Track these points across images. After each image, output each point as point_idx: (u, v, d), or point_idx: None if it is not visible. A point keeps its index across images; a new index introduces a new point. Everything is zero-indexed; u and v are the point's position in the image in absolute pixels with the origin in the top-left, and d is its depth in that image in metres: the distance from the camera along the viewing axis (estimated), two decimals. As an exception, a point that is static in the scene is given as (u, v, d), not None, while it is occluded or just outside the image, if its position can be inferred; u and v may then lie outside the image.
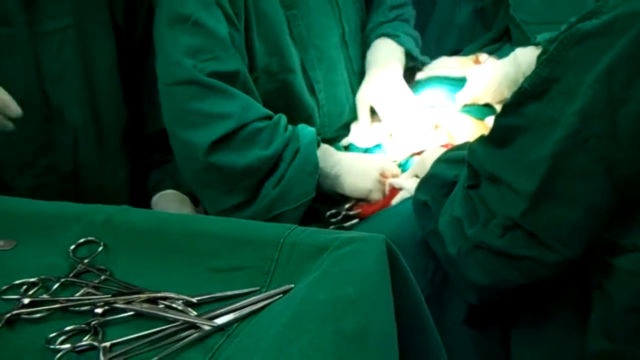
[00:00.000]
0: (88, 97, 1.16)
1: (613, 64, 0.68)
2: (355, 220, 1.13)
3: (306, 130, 1.13)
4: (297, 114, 1.22)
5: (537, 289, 0.83)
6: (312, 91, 1.24)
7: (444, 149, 1.10)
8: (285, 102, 1.20)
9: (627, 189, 0.71)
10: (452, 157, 0.97)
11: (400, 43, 1.36)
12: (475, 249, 0.80)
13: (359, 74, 1.37)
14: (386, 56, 1.34)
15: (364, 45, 1.39)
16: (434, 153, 1.08)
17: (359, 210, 1.14)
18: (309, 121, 1.23)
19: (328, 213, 1.14)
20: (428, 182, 0.96)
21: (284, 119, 1.13)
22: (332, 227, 1.11)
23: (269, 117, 1.12)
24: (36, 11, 1.09)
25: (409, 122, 1.25)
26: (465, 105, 1.27)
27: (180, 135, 1.10)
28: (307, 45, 1.22)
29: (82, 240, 0.72)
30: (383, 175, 1.16)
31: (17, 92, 1.05)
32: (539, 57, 0.79)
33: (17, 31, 1.08)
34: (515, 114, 0.79)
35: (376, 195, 1.16)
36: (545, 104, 0.75)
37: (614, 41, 0.69)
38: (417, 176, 1.12)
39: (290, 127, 1.13)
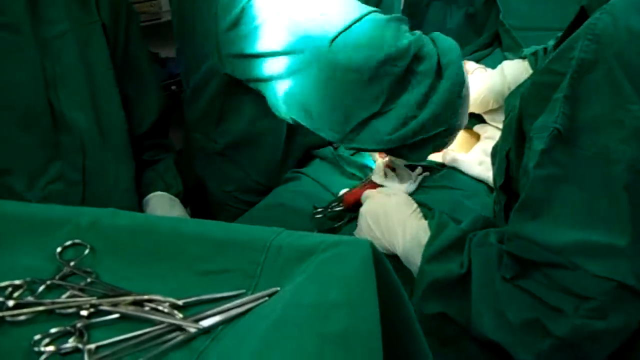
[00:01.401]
0: (90, 101, 1.16)
1: (634, 76, 0.66)
2: (343, 222, 1.13)
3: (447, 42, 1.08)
4: None
5: None
6: None
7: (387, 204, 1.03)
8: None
9: None
10: (442, 247, 0.86)
11: None
12: (568, 345, 0.71)
13: None
14: None
15: None
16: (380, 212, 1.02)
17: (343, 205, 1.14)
18: None
19: (314, 211, 1.15)
20: (432, 289, 0.84)
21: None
22: (317, 229, 1.12)
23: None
24: (38, 17, 1.09)
25: None
26: None
27: None
28: None
29: (68, 243, 0.71)
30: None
31: (24, 100, 1.05)
32: (551, 97, 0.74)
33: (24, 38, 1.08)
34: (547, 165, 0.72)
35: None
36: (582, 143, 0.69)
37: (623, 61, 0.66)
38: (391, 170, 1.12)
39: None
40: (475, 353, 0.82)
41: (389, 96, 1.01)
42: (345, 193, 1.16)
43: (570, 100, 0.70)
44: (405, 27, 1.05)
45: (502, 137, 0.90)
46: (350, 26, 1.00)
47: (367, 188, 1.15)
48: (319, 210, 1.15)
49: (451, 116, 1.04)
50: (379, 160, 1.22)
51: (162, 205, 1.26)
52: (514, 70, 1.23)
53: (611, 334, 0.71)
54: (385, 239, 0.98)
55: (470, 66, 1.36)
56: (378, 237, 0.98)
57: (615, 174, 0.67)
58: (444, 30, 1.58)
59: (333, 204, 1.15)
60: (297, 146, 1.35)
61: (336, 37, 1.00)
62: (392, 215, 0.97)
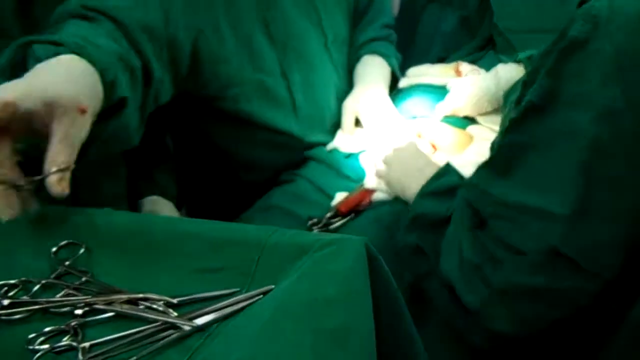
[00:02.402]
0: None
1: (617, 62, 0.67)
2: (339, 223, 1.14)
3: None
4: (275, 115, 1.23)
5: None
6: (290, 93, 1.25)
7: (404, 148, 1.10)
8: (261, 102, 1.21)
9: None
10: (438, 189, 0.91)
11: (389, 64, 1.42)
12: (503, 295, 0.74)
13: (346, 81, 1.39)
14: (376, 72, 1.39)
15: (353, 56, 1.41)
16: (396, 153, 1.09)
17: (339, 214, 1.15)
18: (287, 121, 1.24)
19: (310, 222, 1.15)
20: (416, 222, 0.89)
21: None
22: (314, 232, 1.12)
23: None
24: (28, 22, 1.09)
25: (393, 133, 1.26)
26: (446, 116, 1.28)
27: None
28: (286, 46, 1.23)
29: (63, 243, 0.72)
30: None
31: None
32: (529, 71, 0.77)
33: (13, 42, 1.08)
34: (519, 132, 0.75)
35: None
36: (552, 117, 0.72)
37: (612, 41, 0.68)
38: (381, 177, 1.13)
39: None
40: (437, 296, 0.85)
41: None
42: (339, 204, 1.17)
43: (553, 75, 0.72)
44: None
45: (500, 131, 0.92)
46: None
47: (360, 195, 1.16)
48: (315, 221, 1.15)
49: None
50: (369, 165, 1.22)
51: (157, 209, 1.26)
52: (508, 74, 1.24)
53: (544, 296, 0.72)
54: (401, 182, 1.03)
55: (464, 68, 1.37)
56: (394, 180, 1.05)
57: (575, 149, 0.69)
58: (438, 32, 1.60)
59: (328, 217, 1.15)
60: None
61: None
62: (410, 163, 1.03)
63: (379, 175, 1.13)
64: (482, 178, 0.80)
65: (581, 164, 0.69)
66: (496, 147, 0.79)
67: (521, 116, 0.75)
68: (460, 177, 0.93)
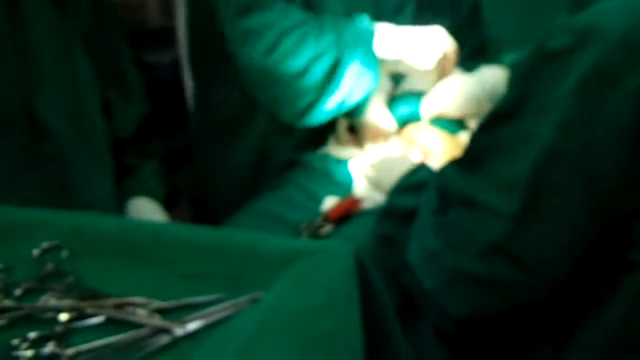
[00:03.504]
0: (70, 107, 1.15)
1: (587, 77, 0.70)
2: (329, 229, 1.13)
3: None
4: None
5: (518, 321, 0.80)
6: None
7: (393, 158, 1.12)
8: None
9: (610, 204, 0.71)
10: (409, 184, 0.95)
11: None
12: (454, 280, 0.78)
13: None
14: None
15: None
16: (384, 163, 1.10)
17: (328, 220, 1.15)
18: None
19: (300, 227, 1.14)
20: (388, 214, 0.93)
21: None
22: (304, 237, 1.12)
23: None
24: (18, 22, 1.08)
25: (385, 139, 1.27)
26: (436, 120, 1.29)
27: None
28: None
29: (46, 245, 0.71)
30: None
31: (3, 105, 1.04)
32: (510, 76, 0.81)
33: (3, 43, 1.07)
34: (488, 134, 0.79)
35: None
36: (518, 122, 0.75)
37: (585, 55, 0.70)
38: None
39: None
40: (411, 285, 0.86)
41: None
42: (329, 210, 1.16)
43: (526, 82, 0.75)
44: None
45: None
46: None
47: (349, 203, 1.16)
48: (304, 227, 1.15)
49: None
50: (359, 172, 1.22)
51: (144, 210, 1.25)
52: (492, 78, 1.25)
53: (489, 286, 0.75)
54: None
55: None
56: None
57: (532, 152, 0.72)
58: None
59: (318, 223, 1.15)
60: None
61: None
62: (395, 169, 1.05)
63: (366, 177, 1.15)
64: (451, 169, 0.84)
65: (534, 167, 0.72)
66: (466, 147, 0.83)
67: (491, 119, 0.79)
68: (432, 172, 0.97)
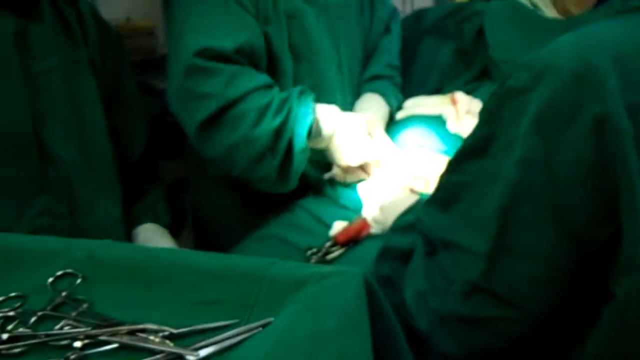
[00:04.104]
0: (77, 134, 1.16)
1: (543, 114, 0.71)
2: (336, 254, 1.14)
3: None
4: None
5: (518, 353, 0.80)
6: None
7: (401, 198, 1.12)
8: None
9: (582, 238, 0.71)
10: (402, 225, 0.97)
11: (388, 103, 1.45)
12: (443, 321, 0.78)
13: (351, 105, 1.41)
14: (374, 110, 1.41)
15: (357, 88, 1.44)
16: (392, 205, 1.11)
17: (337, 244, 1.15)
18: None
19: (309, 252, 1.15)
20: (385, 255, 0.94)
21: (277, 99, 1.18)
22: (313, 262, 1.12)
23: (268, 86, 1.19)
24: (26, 52, 1.10)
25: (391, 167, 1.28)
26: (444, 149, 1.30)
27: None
28: (302, 57, 1.28)
29: (60, 273, 0.72)
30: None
31: (11, 132, 1.06)
32: (480, 113, 0.81)
33: (11, 72, 1.09)
34: (458, 172, 0.80)
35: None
36: (488, 160, 0.76)
37: (542, 92, 0.71)
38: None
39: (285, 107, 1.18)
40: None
41: None
42: (338, 234, 1.17)
43: (491, 119, 0.77)
44: None
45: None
46: None
47: (358, 226, 1.16)
48: (314, 251, 1.15)
49: None
50: (367, 196, 1.22)
51: (152, 236, 1.26)
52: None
53: (478, 325, 0.76)
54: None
55: (460, 97, 1.38)
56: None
57: (498, 191, 0.73)
58: (434, 64, 1.62)
59: (327, 247, 1.16)
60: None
61: None
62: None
63: (375, 221, 1.15)
64: (426, 211, 0.85)
65: (501, 207, 0.73)
66: (438, 184, 0.85)
67: (461, 157, 0.80)
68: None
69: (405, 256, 0.88)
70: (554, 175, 0.70)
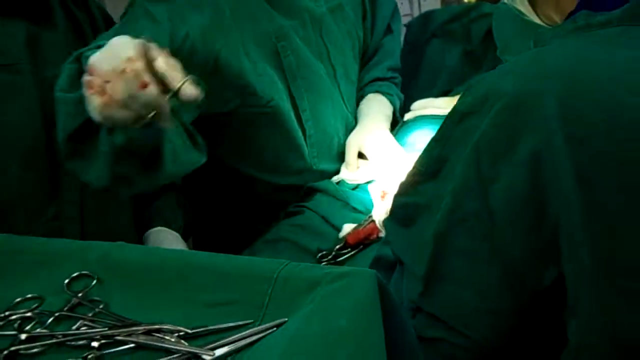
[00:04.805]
0: None
1: (480, 142, 0.68)
2: (348, 255, 1.14)
3: None
4: (285, 142, 1.27)
5: None
6: (299, 120, 1.29)
7: None
8: (273, 129, 1.25)
9: (524, 276, 0.67)
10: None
11: (391, 102, 1.46)
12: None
13: (354, 113, 1.41)
14: (379, 110, 1.42)
15: (358, 94, 1.45)
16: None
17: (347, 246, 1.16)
18: (298, 150, 1.26)
19: (319, 254, 1.15)
20: (375, 265, 0.92)
21: None
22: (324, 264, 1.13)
23: None
24: (38, 59, 1.11)
25: (397, 168, 1.28)
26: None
27: None
28: (296, 75, 1.27)
29: (75, 274, 0.73)
30: None
31: (24, 139, 1.06)
32: (436, 132, 0.78)
33: (23, 79, 1.10)
34: (413, 193, 0.78)
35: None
36: (439, 182, 0.74)
37: (482, 119, 0.68)
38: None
39: None
40: None
41: None
42: (348, 235, 1.17)
43: (444, 141, 0.74)
44: None
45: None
46: None
47: (368, 228, 1.17)
48: (324, 253, 1.16)
49: None
50: (377, 199, 1.23)
51: (163, 240, 1.27)
52: None
53: (427, 343, 0.73)
54: None
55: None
56: None
57: (435, 217, 0.72)
58: (443, 66, 1.63)
59: (337, 248, 1.16)
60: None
61: None
62: None
63: (384, 225, 1.14)
64: (389, 228, 0.85)
65: (436, 232, 0.71)
66: (394, 204, 0.83)
67: (415, 178, 0.78)
68: None
69: (392, 267, 0.86)
70: (489, 208, 0.67)
